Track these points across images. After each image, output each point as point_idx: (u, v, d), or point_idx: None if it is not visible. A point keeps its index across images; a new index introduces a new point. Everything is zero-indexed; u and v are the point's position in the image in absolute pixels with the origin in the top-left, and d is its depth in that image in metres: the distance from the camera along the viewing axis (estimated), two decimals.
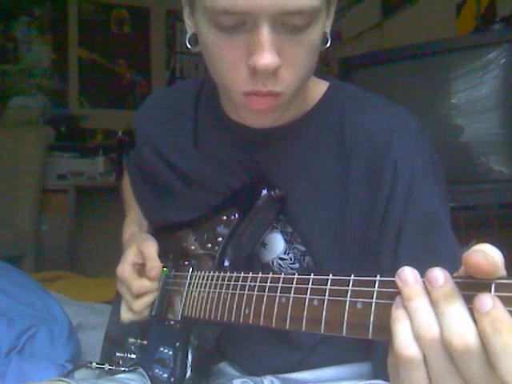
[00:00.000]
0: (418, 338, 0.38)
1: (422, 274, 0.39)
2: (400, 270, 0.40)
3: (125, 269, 0.74)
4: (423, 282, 0.39)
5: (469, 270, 0.36)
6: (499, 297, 0.35)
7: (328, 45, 0.65)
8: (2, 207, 3.04)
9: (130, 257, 0.75)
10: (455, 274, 0.39)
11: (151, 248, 0.75)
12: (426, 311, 0.38)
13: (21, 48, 3.82)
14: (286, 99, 0.62)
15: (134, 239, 0.80)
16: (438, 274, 0.38)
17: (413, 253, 0.64)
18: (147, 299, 0.73)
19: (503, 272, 0.36)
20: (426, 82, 1.79)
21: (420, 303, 0.38)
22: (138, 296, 0.73)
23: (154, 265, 0.72)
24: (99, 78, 4.00)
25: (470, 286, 0.37)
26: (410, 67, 1.84)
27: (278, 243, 0.75)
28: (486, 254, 0.35)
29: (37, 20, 3.85)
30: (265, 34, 0.55)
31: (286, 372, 0.77)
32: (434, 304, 0.38)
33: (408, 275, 0.39)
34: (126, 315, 0.75)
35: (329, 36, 0.65)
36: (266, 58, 0.56)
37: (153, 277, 0.72)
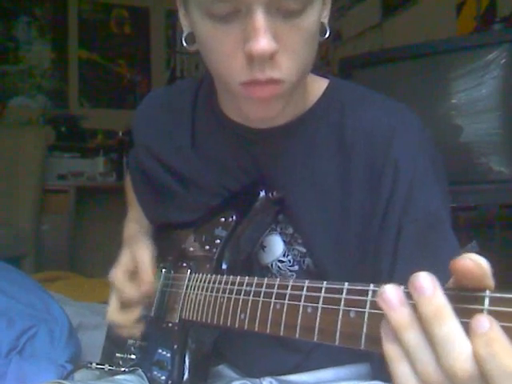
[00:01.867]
0: (419, 375, 0.36)
1: None
2: (381, 290, 0.37)
3: (116, 274, 0.74)
4: (407, 293, 0.36)
5: (458, 277, 0.35)
6: (494, 311, 0.34)
7: (327, 35, 0.64)
8: (2, 207, 3.04)
9: (122, 262, 0.75)
10: (446, 286, 0.37)
11: (145, 257, 0.73)
12: (420, 343, 0.36)
13: (21, 48, 3.83)
14: (286, 88, 0.61)
15: (130, 242, 0.80)
16: (426, 283, 0.35)
17: (412, 253, 0.64)
18: (135, 313, 0.72)
19: (492, 281, 0.35)
20: (426, 82, 1.79)
21: (412, 334, 0.36)
22: (127, 305, 0.72)
23: (147, 279, 0.71)
24: (99, 78, 4.01)
25: (463, 299, 0.35)
26: (410, 67, 1.83)
27: (276, 245, 0.74)
28: (474, 260, 0.34)
29: (37, 20, 3.86)
30: (259, 19, 0.55)
31: (284, 374, 0.77)
32: (423, 323, 0.35)
33: (392, 296, 0.37)
34: (113, 316, 0.75)
35: (327, 26, 0.64)
36: (262, 43, 0.55)
37: (144, 291, 0.71)
